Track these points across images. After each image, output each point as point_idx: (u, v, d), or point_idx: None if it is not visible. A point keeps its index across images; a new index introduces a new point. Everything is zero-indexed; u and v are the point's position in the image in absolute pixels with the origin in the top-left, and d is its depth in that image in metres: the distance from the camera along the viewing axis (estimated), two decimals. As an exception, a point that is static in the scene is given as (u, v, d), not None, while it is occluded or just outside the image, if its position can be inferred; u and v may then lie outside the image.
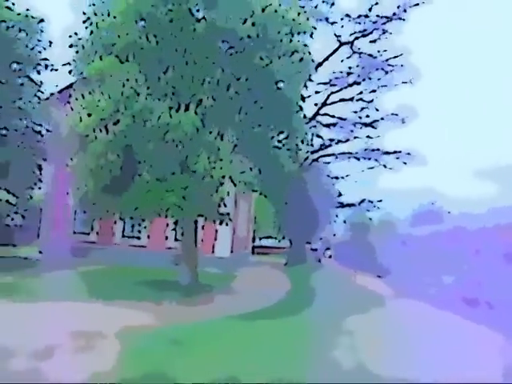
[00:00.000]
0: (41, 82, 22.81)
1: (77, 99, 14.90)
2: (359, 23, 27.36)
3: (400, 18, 27.12)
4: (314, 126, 26.58)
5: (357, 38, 27.83)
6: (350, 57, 28.14)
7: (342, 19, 26.94)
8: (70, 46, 15.52)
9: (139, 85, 14.34)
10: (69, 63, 15.51)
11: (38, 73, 22.38)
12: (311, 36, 16.42)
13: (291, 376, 6.89)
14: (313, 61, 16.56)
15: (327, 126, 28.31)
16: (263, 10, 15.11)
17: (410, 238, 22.74)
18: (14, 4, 21.24)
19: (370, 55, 27.31)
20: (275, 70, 15.27)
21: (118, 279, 16.99)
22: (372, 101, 28.58)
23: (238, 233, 27.84)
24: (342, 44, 27.91)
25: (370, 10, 26.76)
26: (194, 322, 10.19)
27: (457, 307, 12.31)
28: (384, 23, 27.33)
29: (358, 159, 28.54)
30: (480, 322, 11.03)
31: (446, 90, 65.51)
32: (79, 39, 15.73)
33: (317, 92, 27.97)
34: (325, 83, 26.83)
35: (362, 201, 30.14)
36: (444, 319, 12.19)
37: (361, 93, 28.70)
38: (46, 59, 22.29)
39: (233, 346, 8.52)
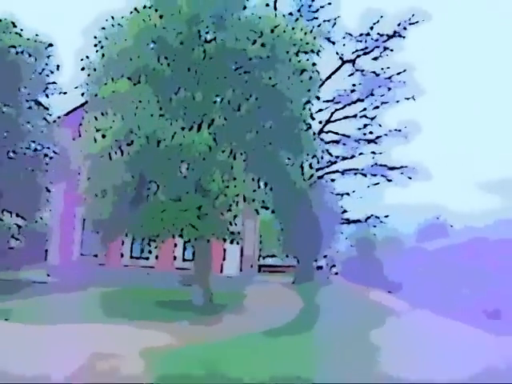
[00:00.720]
0: (48, 105, 23.04)
1: (89, 121, 15.07)
2: (360, 41, 27.85)
3: (400, 36, 27.61)
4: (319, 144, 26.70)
5: (358, 56, 28.29)
6: (352, 74, 28.56)
7: (343, 37, 27.42)
8: (82, 69, 15.73)
9: (152, 106, 14.51)
10: (81, 86, 15.67)
11: (47, 96, 22.61)
12: (318, 54, 16.70)
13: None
14: (321, 80, 16.83)
15: (331, 142, 28.51)
16: (272, 31, 15.39)
17: (420, 252, 22.75)
18: (22, 30, 21.56)
19: (374, 72, 27.68)
20: (284, 88, 15.48)
21: (132, 301, 16.88)
22: (375, 117, 28.91)
23: (246, 251, 27.80)
24: (344, 62, 28.35)
25: (371, 28, 27.27)
26: (219, 341, 10.14)
27: (477, 319, 12.26)
28: (385, 41, 27.80)
29: (365, 175, 28.68)
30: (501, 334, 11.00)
31: (448, 104, 66.37)
32: (90, 62, 15.96)
33: (320, 110, 28.24)
34: (328, 101, 27.14)
35: (369, 217, 30.19)
36: (463, 330, 12.15)
37: (364, 109, 29.04)
38: (54, 83, 22.55)
39: (266, 360, 8.49)
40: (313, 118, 16.64)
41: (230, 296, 18.71)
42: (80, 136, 15.35)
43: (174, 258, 24.79)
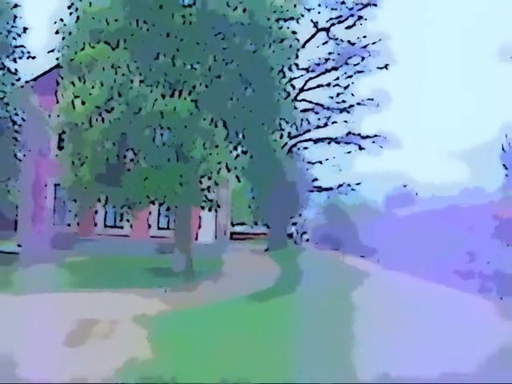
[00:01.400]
0: (16, 69, 22.10)
1: (65, 88, 14.65)
2: (335, 9, 27.72)
3: (375, 5, 27.64)
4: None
5: (333, 25, 28.21)
6: (326, 43, 28.50)
7: (319, 5, 27.22)
8: (57, 32, 15.18)
9: (131, 72, 14.23)
10: (56, 50, 15.15)
11: (14, 61, 21.67)
12: (298, 22, 16.64)
13: (306, 347, 7.23)
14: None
15: (304, 111, 28.57)
16: (253, -4, 15.15)
17: (390, 218, 23.50)
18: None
19: (348, 41, 27.72)
20: (265, 56, 15.41)
21: (112, 269, 16.89)
22: (348, 86, 29.08)
23: (220, 219, 28.00)
24: (318, 30, 28.23)
25: (346, -5, 27.12)
26: (207, 305, 10.39)
27: (451, 280, 12.96)
28: (360, 9, 27.78)
29: (339, 143, 29.03)
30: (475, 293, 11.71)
31: (419, 74, 67.01)
32: (65, 25, 15.41)
33: (294, 78, 28.13)
34: (303, 69, 27.06)
35: (341, 185, 30.73)
36: (440, 290, 12.84)
37: (337, 78, 29.14)
38: (21, 46, 21.61)
39: (257, 321, 8.80)
40: (293, 87, 16.68)
41: (209, 263, 18.94)
42: (56, 102, 14.92)
43: (149, 226, 24.76)
